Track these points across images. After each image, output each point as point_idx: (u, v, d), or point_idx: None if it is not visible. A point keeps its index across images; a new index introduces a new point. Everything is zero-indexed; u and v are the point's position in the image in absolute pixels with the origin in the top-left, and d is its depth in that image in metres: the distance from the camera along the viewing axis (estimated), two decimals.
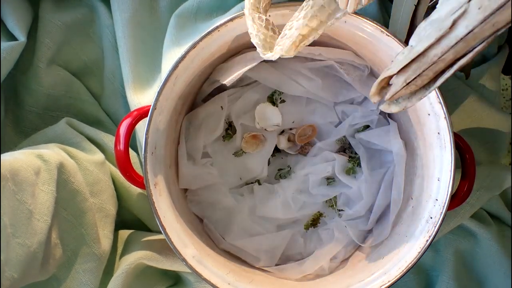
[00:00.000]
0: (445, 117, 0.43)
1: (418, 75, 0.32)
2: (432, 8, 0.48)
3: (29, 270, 0.44)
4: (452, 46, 0.30)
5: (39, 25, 0.56)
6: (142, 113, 0.46)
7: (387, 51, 0.44)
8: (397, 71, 0.33)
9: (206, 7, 0.55)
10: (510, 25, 0.29)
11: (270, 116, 0.53)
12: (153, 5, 0.57)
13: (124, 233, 0.56)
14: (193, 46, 0.43)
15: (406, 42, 0.43)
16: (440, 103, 0.42)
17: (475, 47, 0.30)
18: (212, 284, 0.44)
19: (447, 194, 0.43)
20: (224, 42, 0.45)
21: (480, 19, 0.29)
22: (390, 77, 0.34)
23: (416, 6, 0.45)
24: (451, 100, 0.57)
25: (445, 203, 0.43)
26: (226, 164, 0.54)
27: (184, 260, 0.44)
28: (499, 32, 0.30)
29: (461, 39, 0.30)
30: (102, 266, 0.51)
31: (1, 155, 0.45)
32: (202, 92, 0.52)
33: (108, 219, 0.52)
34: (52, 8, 0.57)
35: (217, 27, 0.43)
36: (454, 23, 0.30)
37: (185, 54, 0.43)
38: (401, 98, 0.35)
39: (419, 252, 0.44)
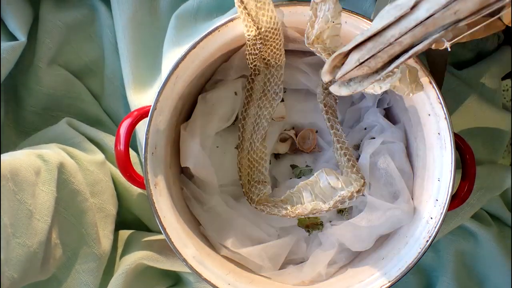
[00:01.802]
0: (446, 118, 0.43)
1: (372, 55, 0.31)
2: None
3: (29, 270, 0.44)
4: (411, 29, 0.29)
5: (40, 25, 0.56)
6: (143, 113, 0.46)
7: None
8: (351, 47, 0.32)
9: (206, 7, 0.55)
10: (471, 19, 0.28)
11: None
12: (153, 5, 0.57)
13: (124, 233, 0.56)
14: (194, 46, 0.43)
15: None
16: (441, 103, 0.42)
17: (433, 35, 0.29)
18: (212, 285, 0.44)
19: (448, 195, 0.43)
20: (225, 42, 0.45)
21: (443, 3, 0.28)
22: (344, 56, 0.33)
23: None
24: (451, 99, 0.56)
25: (445, 203, 0.43)
26: (225, 158, 0.54)
27: (184, 260, 0.44)
28: (460, 24, 0.28)
29: (421, 22, 0.29)
30: (102, 266, 0.51)
31: (1, 155, 0.45)
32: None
33: (109, 219, 0.52)
34: (53, 8, 0.57)
35: (217, 27, 0.43)
36: (415, 4, 0.29)
37: (185, 54, 0.43)
38: (353, 81, 0.33)
39: (419, 253, 0.44)
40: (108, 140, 0.56)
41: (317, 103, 0.52)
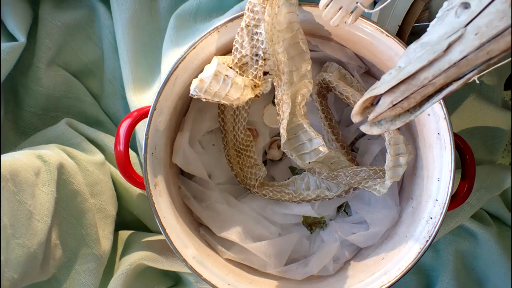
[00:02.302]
0: (445, 118, 0.43)
1: (406, 97, 0.31)
2: (427, 9, 0.48)
3: (29, 271, 0.44)
4: (444, 71, 0.30)
5: (39, 25, 0.56)
6: (142, 113, 0.46)
7: (386, 51, 0.44)
8: (384, 91, 0.32)
9: (205, 8, 0.55)
10: (503, 54, 0.29)
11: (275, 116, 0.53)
12: (152, 5, 0.57)
13: (124, 234, 0.56)
14: (193, 46, 0.43)
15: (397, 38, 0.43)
16: (440, 103, 0.42)
17: (466, 74, 0.30)
18: (212, 285, 0.44)
19: (447, 195, 0.43)
20: (224, 43, 0.45)
21: (476, 45, 0.28)
22: (375, 97, 0.33)
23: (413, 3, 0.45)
24: (450, 98, 0.57)
25: (445, 203, 0.43)
26: (221, 156, 0.54)
27: (184, 260, 0.44)
28: (492, 61, 0.29)
29: (454, 64, 0.29)
30: (102, 266, 0.51)
31: (1, 155, 0.45)
32: None
33: (108, 219, 0.52)
34: (52, 8, 0.57)
35: (216, 28, 0.43)
36: (449, 47, 0.29)
37: (185, 54, 0.43)
38: (384, 120, 0.34)
39: (419, 253, 0.44)
40: (108, 140, 0.56)
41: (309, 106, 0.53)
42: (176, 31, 0.54)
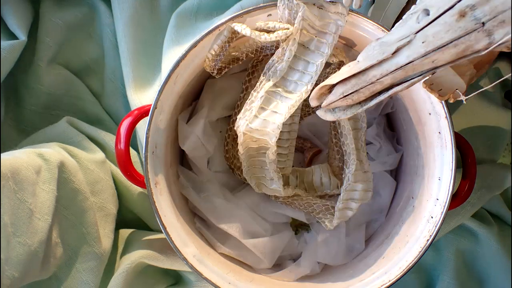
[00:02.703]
0: (446, 117, 0.42)
1: (355, 90, 0.33)
2: None
3: (30, 269, 0.44)
4: (391, 72, 0.31)
5: (40, 24, 0.56)
6: (143, 112, 0.46)
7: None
8: (336, 82, 0.34)
9: (206, 6, 0.55)
10: (448, 65, 0.30)
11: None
12: (153, 4, 0.57)
13: (124, 232, 0.56)
14: (194, 45, 0.43)
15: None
16: (441, 102, 0.42)
17: (412, 78, 0.31)
18: (212, 283, 0.44)
19: (448, 194, 0.43)
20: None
21: (422, 52, 0.30)
22: (331, 85, 0.35)
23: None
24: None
25: (446, 202, 0.43)
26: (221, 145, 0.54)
27: (184, 259, 0.44)
28: (438, 70, 0.31)
29: (401, 67, 0.31)
30: (103, 265, 0.51)
31: (2, 154, 0.45)
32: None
33: (109, 218, 0.52)
34: (53, 7, 0.57)
35: (217, 26, 0.43)
36: (397, 50, 0.31)
37: (186, 53, 0.43)
38: (338, 108, 0.36)
39: (420, 252, 0.44)
40: (109, 139, 0.56)
41: None
42: (176, 29, 0.54)
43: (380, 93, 0.34)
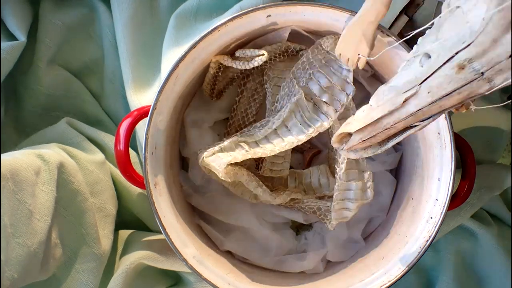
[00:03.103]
0: (445, 117, 0.43)
1: (372, 136, 0.36)
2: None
3: (29, 270, 0.44)
4: (403, 119, 0.34)
5: (39, 25, 0.56)
6: (142, 113, 0.46)
7: (387, 51, 0.44)
8: (354, 131, 0.37)
9: (205, 7, 0.55)
10: (457, 106, 0.33)
11: None
12: (153, 5, 0.57)
13: (124, 233, 0.56)
14: (194, 46, 0.43)
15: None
16: None
17: (423, 120, 0.34)
18: (212, 284, 0.44)
19: (448, 194, 0.43)
20: (224, 42, 0.45)
21: (429, 101, 0.32)
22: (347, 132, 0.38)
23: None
24: None
25: (445, 203, 0.43)
26: None
27: (184, 260, 0.44)
28: (446, 111, 0.34)
29: (411, 114, 0.34)
30: (102, 266, 0.51)
31: (1, 155, 0.45)
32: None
33: (108, 219, 0.52)
34: (52, 8, 0.57)
35: (217, 27, 0.43)
36: (405, 101, 0.33)
37: (185, 54, 0.43)
38: (359, 148, 0.39)
39: (420, 252, 0.44)
40: (108, 140, 0.56)
41: None
42: (176, 30, 0.54)
43: (395, 135, 0.36)
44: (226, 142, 0.45)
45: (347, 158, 0.47)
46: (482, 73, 0.30)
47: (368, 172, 0.48)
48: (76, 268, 0.49)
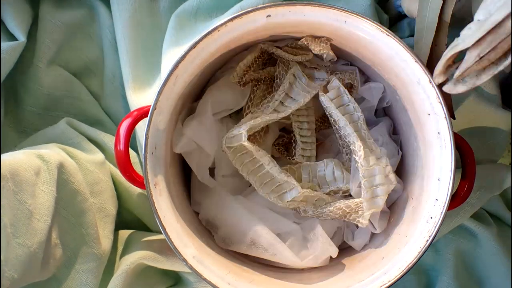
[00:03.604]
0: (445, 117, 0.42)
1: (492, 48, 0.30)
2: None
3: (29, 270, 0.44)
4: None
5: (39, 25, 0.56)
6: (142, 113, 0.46)
7: (387, 51, 0.44)
8: (470, 45, 0.30)
9: (205, 7, 0.55)
10: None
11: None
12: (153, 5, 0.57)
13: (124, 233, 0.56)
14: (193, 46, 0.43)
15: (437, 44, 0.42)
16: (440, 103, 0.42)
17: None
18: (212, 284, 0.44)
19: (448, 194, 0.43)
20: (224, 42, 0.45)
21: None
22: (457, 54, 0.32)
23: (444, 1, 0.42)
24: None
25: (445, 203, 0.43)
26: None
27: (184, 260, 0.44)
28: None
29: None
30: (102, 266, 0.51)
31: (1, 155, 0.45)
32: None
33: (108, 219, 0.52)
34: (52, 8, 0.57)
35: (217, 27, 0.43)
36: None
37: (185, 54, 0.43)
38: (468, 76, 0.32)
39: (419, 252, 0.44)
40: (108, 140, 0.56)
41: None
42: (176, 30, 0.54)
43: None
44: (242, 121, 0.47)
45: (363, 146, 0.46)
46: None
47: (385, 157, 0.48)
48: (76, 268, 0.49)
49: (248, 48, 0.50)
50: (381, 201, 0.46)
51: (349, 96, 0.49)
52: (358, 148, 0.47)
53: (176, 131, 0.49)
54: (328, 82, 0.50)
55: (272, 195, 0.48)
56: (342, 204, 0.48)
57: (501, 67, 0.31)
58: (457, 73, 0.32)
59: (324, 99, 0.49)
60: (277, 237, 0.49)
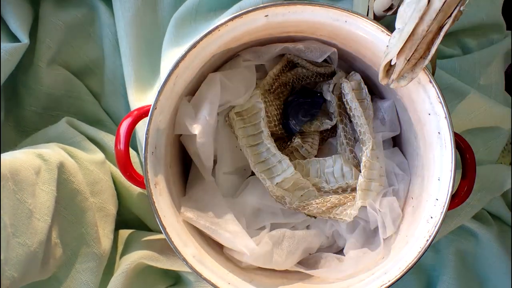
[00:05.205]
0: (446, 117, 0.43)
1: (414, 50, 0.37)
2: None
3: (29, 270, 0.44)
4: (434, 19, 0.36)
5: (40, 25, 0.56)
6: (143, 112, 0.46)
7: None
8: (396, 54, 0.38)
9: (206, 7, 0.55)
10: None
11: None
12: (156, 3, 0.57)
13: (124, 233, 0.56)
14: (194, 45, 0.43)
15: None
16: (441, 102, 0.42)
17: (452, 13, 0.35)
18: (212, 284, 0.44)
19: (448, 194, 0.43)
20: (225, 42, 0.45)
21: None
22: (390, 61, 0.39)
23: None
24: (448, 97, 0.56)
25: (445, 203, 0.43)
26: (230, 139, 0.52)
27: (184, 259, 0.44)
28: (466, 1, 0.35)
29: (439, 10, 0.35)
30: (103, 265, 0.51)
31: (1, 154, 0.45)
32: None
33: (109, 218, 0.53)
34: (53, 7, 0.57)
35: (217, 27, 0.43)
36: (429, 1, 0.35)
37: (185, 53, 0.43)
38: (406, 73, 0.39)
39: (420, 252, 0.44)
40: (108, 139, 0.56)
41: None
42: (176, 30, 0.54)
43: (434, 39, 0.37)
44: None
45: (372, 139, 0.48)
46: None
47: (382, 160, 0.49)
48: (76, 267, 0.49)
49: (248, 48, 0.50)
50: (371, 196, 0.48)
51: (367, 92, 0.51)
52: (368, 139, 0.48)
53: (184, 112, 0.47)
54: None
55: (264, 174, 0.49)
56: (329, 196, 0.50)
57: (428, 59, 0.38)
58: (394, 76, 0.40)
59: (346, 85, 0.50)
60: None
